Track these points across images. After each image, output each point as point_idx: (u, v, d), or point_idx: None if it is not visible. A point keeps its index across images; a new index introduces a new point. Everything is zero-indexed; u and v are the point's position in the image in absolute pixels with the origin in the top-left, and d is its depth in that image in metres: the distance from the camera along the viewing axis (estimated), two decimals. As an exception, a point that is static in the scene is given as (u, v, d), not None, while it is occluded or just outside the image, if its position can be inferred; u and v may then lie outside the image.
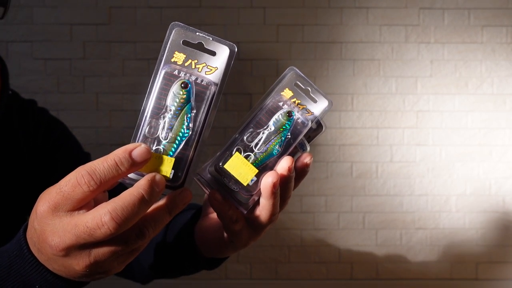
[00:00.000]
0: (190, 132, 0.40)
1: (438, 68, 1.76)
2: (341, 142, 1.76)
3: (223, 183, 0.44)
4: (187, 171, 0.41)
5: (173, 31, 0.42)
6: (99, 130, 1.74)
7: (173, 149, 0.40)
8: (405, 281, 1.77)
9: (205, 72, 0.42)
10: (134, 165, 0.37)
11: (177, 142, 0.40)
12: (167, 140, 0.40)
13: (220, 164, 0.43)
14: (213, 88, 0.42)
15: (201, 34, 0.42)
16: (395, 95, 1.76)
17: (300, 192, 1.77)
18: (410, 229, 1.77)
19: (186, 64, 0.42)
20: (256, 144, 0.44)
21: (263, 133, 0.44)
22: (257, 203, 0.45)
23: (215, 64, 0.42)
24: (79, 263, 0.37)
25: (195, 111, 0.40)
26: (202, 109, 0.41)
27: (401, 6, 1.75)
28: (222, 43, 0.42)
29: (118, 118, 1.74)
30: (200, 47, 0.42)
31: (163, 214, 0.38)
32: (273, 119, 0.44)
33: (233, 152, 0.43)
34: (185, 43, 0.42)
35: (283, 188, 0.44)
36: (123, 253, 0.38)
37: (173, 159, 0.39)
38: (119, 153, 0.37)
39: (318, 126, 0.48)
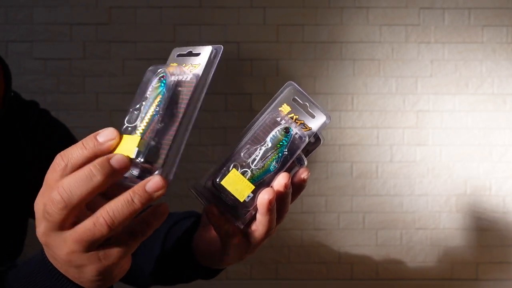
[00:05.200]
0: (160, 113, 0.40)
1: (438, 68, 1.76)
2: (341, 142, 1.76)
3: (220, 198, 0.44)
4: (157, 151, 0.39)
5: (172, 53, 0.47)
6: (99, 130, 1.73)
7: (144, 131, 0.40)
8: (405, 281, 1.77)
9: (190, 70, 0.43)
10: (99, 145, 0.38)
11: (148, 124, 0.40)
12: (139, 125, 0.40)
13: (217, 180, 0.43)
14: (191, 76, 0.42)
15: (191, 46, 0.45)
16: (395, 95, 1.76)
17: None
18: (410, 229, 1.77)
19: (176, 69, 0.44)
20: (253, 160, 0.44)
21: (260, 149, 0.44)
22: (253, 218, 0.45)
23: (198, 61, 0.44)
24: (90, 268, 0.38)
25: (166, 95, 0.41)
26: (174, 94, 0.41)
27: (401, 6, 1.75)
28: (206, 45, 0.44)
29: (118, 118, 1.74)
30: (190, 54, 0.45)
31: (130, 204, 0.37)
32: (271, 135, 0.44)
33: (230, 168, 0.43)
34: (180, 55, 0.46)
35: (279, 204, 0.44)
36: (126, 249, 0.39)
37: (138, 137, 0.39)
38: (86, 137, 0.38)
39: (316, 139, 0.48)
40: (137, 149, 0.38)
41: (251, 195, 0.43)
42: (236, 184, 0.43)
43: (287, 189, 0.43)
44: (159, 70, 0.42)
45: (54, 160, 0.38)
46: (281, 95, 0.46)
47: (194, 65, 0.43)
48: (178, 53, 0.45)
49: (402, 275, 1.77)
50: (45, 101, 1.70)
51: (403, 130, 1.76)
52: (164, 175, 0.38)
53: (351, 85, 1.76)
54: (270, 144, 0.44)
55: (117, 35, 1.73)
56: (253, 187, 0.43)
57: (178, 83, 0.42)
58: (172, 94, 0.41)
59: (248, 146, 0.44)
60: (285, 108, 0.45)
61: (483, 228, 1.77)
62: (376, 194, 1.77)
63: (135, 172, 0.40)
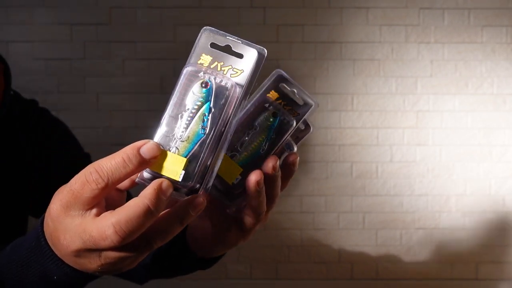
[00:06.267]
0: (207, 133, 0.38)
1: (438, 68, 1.76)
2: (341, 142, 1.76)
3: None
4: (203, 175, 0.39)
5: (202, 35, 0.41)
6: (99, 130, 1.74)
7: (187, 150, 0.38)
8: (405, 281, 1.77)
9: (230, 74, 0.41)
10: (143, 162, 0.36)
11: (192, 142, 0.38)
12: (182, 140, 0.38)
13: None
14: (238, 91, 0.40)
15: (230, 38, 0.41)
16: (395, 95, 1.76)
17: (300, 192, 1.77)
18: (410, 229, 1.77)
19: (212, 66, 0.41)
20: (242, 144, 0.44)
21: (248, 133, 0.44)
22: (243, 202, 0.46)
23: (241, 66, 0.41)
24: (91, 262, 0.38)
25: (214, 111, 0.39)
26: (224, 111, 0.39)
27: (401, 6, 1.75)
28: (251, 46, 0.41)
29: (118, 118, 1.74)
30: (228, 50, 0.41)
31: (173, 223, 0.37)
32: (258, 119, 0.45)
33: None
34: (213, 45, 0.42)
35: (269, 187, 0.45)
36: (132, 257, 0.38)
37: (185, 160, 0.38)
38: (127, 150, 0.36)
39: (306, 127, 0.49)
40: (183, 172, 0.37)
41: (240, 177, 0.44)
42: (225, 167, 0.43)
43: (275, 171, 0.43)
44: (200, 74, 0.40)
45: (87, 172, 0.36)
46: (269, 82, 0.46)
47: (236, 69, 0.41)
48: (212, 41, 0.41)
49: (402, 275, 1.78)
50: (45, 101, 1.69)
51: (403, 130, 1.77)
52: (202, 192, 0.39)
53: (351, 85, 1.76)
54: (258, 128, 0.44)
55: (117, 35, 1.73)
56: (241, 169, 0.44)
57: (219, 90, 0.39)
58: (215, 105, 0.39)
59: (236, 130, 0.45)
60: (273, 95, 0.46)
61: (483, 228, 1.77)
62: (376, 194, 1.77)
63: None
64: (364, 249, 1.78)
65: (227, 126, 0.40)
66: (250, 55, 0.41)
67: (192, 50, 0.41)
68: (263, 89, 0.46)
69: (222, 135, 0.39)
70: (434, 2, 1.75)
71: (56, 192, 0.38)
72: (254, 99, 0.46)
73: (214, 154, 0.39)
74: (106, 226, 0.34)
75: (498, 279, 1.77)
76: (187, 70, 0.40)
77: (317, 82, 1.76)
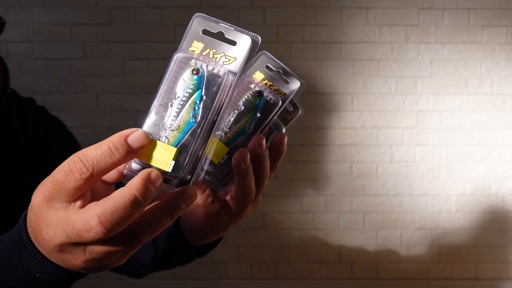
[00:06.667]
0: (198, 122, 0.36)
1: (438, 68, 1.76)
2: (341, 142, 1.76)
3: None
4: (194, 166, 0.37)
5: (194, 21, 0.40)
6: (99, 130, 1.74)
7: (177, 139, 0.36)
8: (405, 281, 1.77)
9: (223, 61, 0.39)
10: (130, 151, 0.34)
11: (183, 131, 0.36)
12: (172, 129, 0.36)
13: None
14: (230, 78, 0.38)
15: (223, 24, 0.40)
16: (395, 95, 1.76)
17: (300, 192, 1.77)
18: (410, 229, 1.77)
19: (204, 54, 0.39)
20: (227, 124, 0.44)
21: (233, 113, 0.44)
22: (232, 183, 0.45)
23: (234, 54, 0.39)
24: (75, 257, 0.36)
25: (205, 99, 0.37)
26: (216, 99, 0.37)
27: (401, 6, 1.75)
28: (244, 33, 0.39)
29: (118, 118, 1.74)
30: (221, 37, 0.40)
31: (163, 216, 0.35)
32: (243, 99, 0.44)
33: None
34: (206, 32, 0.40)
35: (256, 166, 0.44)
36: (119, 253, 0.36)
37: (175, 149, 0.36)
38: (113, 138, 0.34)
39: (294, 108, 0.48)
40: (173, 162, 0.35)
41: (226, 157, 0.44)
42: (211, 147, 0.42)
43: (261, 149, 0.43)
44: (192, 62, 0.38)
45: (71, 161, 0.34)
46: (255, 63, 0.45)
47: (228, 57, 0.39)
48: (204, 27, 0.40)
49: (402, 275, 1.78)
50: (45, 101, 1.70)
51: (403, 130, 1.77)
52: (193, 183, 0.37)
53: (351, 85, 1.76)
54: (243, 108, 0.44)
55: (117, 35, 1.73)
56: (228, 149, 0.44)
57: (211, 77, 0.38)
58: (207, 93, 0.37)
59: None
60: (258, 75, 0.45)
61: (482, 228, 1.77)
62: (376, 194, 1.77)
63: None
64: (364, 249, 1.78)
65: (219, 115, 0.38)
66: (244, 42, 0.39)
67: (184, 37, 0.39)
68: (248, 70, 0.45)
69: (215, 124, 0.38)
70: (434, 2, 1.75)
71: (39, 184, 0.36)
72: (239, 80, 0.46)
73: (206, 144, 0.37)
74: (90, 216, 0.33)
75: (498, 279, 1.78)
76: (177, 56, 0.38)
77: (317, 82, 1.76)
